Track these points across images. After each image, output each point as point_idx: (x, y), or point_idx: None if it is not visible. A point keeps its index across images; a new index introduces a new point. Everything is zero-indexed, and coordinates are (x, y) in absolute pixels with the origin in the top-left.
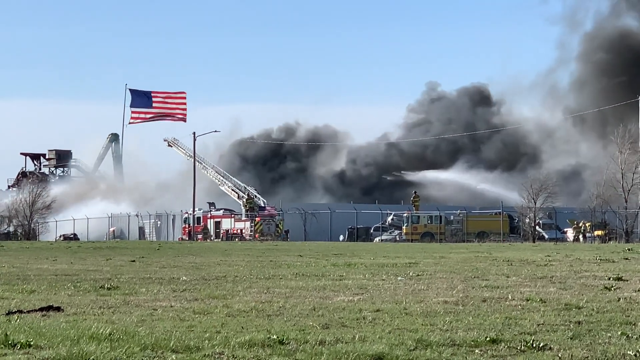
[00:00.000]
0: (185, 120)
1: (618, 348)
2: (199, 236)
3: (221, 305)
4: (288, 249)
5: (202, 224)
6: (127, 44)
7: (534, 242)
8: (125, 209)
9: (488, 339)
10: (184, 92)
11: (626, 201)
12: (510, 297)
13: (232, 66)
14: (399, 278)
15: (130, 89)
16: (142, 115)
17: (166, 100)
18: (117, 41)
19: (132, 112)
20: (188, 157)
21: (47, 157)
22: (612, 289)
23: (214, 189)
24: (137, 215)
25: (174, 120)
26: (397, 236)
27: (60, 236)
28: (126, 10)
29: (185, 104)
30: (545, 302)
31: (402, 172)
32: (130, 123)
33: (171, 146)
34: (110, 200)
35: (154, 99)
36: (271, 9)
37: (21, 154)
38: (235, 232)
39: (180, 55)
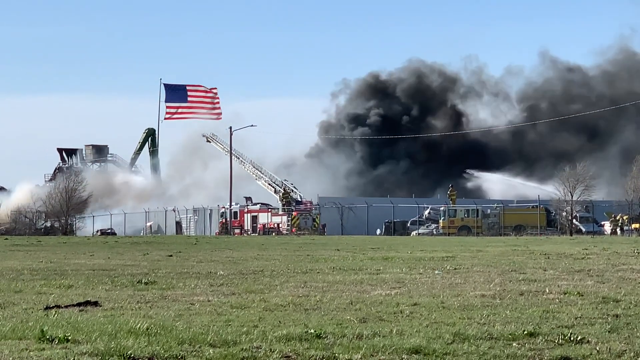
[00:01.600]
0: (220, 118)
1: None
2: (236, 230)
3: (258, 299)
4: (325, 243)
5: (239, 218)
6: (161, 38)
7: (571, 235)
8: (162, 203)
9: (525, 332)
10: (215, 90)
11: None
12: (547, 290)
13: (263, 60)
14: (437, 272)
15: (164, 84)
16: (177, 111)
17: (200, 95)
18: (152, 35)
19: (167, 107)
20: (226, 153)
21: (83, 152)
22: None
23: (253, 185)
24: (173, 210)
25: (214, 119)
26: (434, 230)
27: (97, 231)
28: (160, 5)
29: (218, 101)
30: (582, 295)
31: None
32: (165, 119)
33: (210, 142)
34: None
35: (188, 93)
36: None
37: (57, 149)
38: (272, 226)
39: (213, 50)
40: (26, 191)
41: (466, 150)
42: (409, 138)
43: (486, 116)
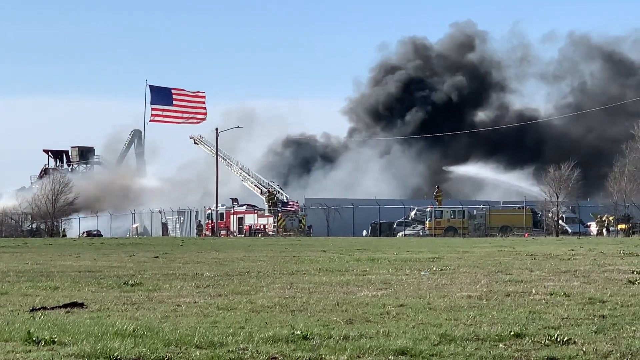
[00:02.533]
0: (204, 120)
1: None
2: (222, 232)
3: (245, 300)
4: (311, 245)
5: (225, 220)
6: (146, 40)
7: (557, 236)
8: (148, 205)
9: (512, 333)
10: (203, 93)
11: None
12: (534, 291)
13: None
14: (423, 273)
15: (150, 86)
16: (163, 114)
17: (186, 99)
18: (137, 37)
19: (153, 109)
20: (213, 155)
21: (69, 153)
22: (636, 282)
23: (238, 185)
24: (159, 212)
25: (195, 123)
26: (420, 231)
27: (83, 233)
28: (144, 5)
29: (204, 105)
30: (569, 296)
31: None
32: (151, 121)
33: (197, 144)
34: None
35: (174, 97)
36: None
37: (44, 151)
38: (258, 227)
39: (199, 51)
40: (11, 193)
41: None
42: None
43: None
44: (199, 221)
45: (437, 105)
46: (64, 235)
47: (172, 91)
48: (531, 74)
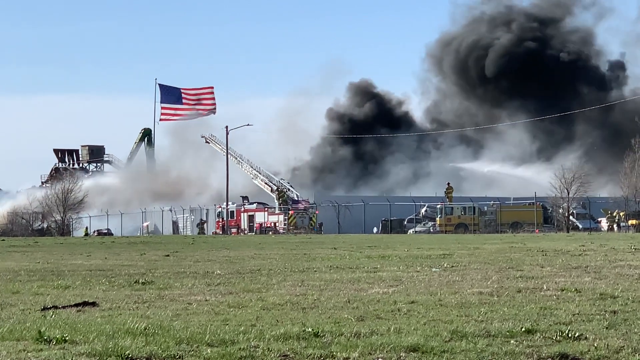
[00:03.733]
0: (214, 112)
1: None
2: (233, 230)
3: (256, 298)
4: (322, 242)
5: (235, 217)
6: (155, 38)
7: (568, 232)
8: (159, 203)
9: (523, 329)
10: (211, 87)
11: None
12: (545, 287)
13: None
14: (434, 269)
15: (159, 84)
16: (173, 112)
17: (195, 97)
18: (147, 35)
19: (162, 108)
20: (224, 153)
21: (79, 152)
22: None
23: (249, 183)
24: (170, 210)
25: (204, 115)
26: (431, 228)
27: (94, 231)
28: (155, 5)
29: (213, 98)
30: (580, 292)
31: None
32: (161, 120)
33: (209, 142)
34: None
35: (183, 96)
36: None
37: (54, 150)
38: (268, 225)
39: (209, 48)
40: (22, 192)
41: None
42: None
43: None
44: (201, 219)
45: None
46: (86, 234)
47: (182, 90)
48: None
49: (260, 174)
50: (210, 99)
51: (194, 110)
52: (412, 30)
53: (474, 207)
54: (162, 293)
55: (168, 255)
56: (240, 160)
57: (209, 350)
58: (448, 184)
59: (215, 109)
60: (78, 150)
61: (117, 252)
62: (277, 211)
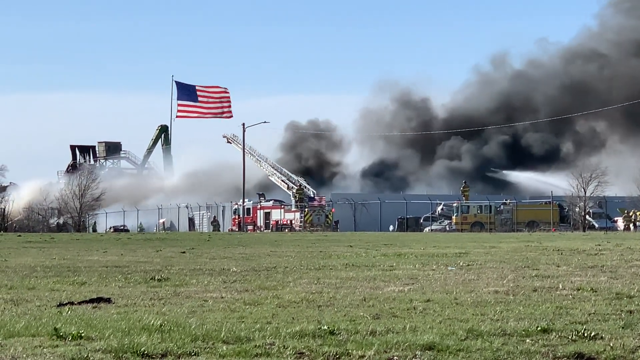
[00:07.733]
0: (231, 117)
1: None
2: (249, 227)
3: (271, 296)
4: (338, 240)
5: (251, 215)
6: (173, 35)
7: (584, 231)
8: (175, 200)
9: (539, 328)
10: (226, 89)
11: None
12: (561, 286)
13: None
14: (450, 268)
15: (176, 82)
16: (189, 109)
17: (210, 96)
18: (164, 32)
19: (179, 105)
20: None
21: (96, 149)
22: None
23: (266, 181)
24: (186, 207)
25: (220, 118)
26: (447, 226)
27: (110, 228)
28: (172, 2)
29: (229, 100)
30: (596, 291)
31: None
32: (177, 117)
33: (230, 142)
34: (160, 192)
35: (198, 94)
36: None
37: (70, 146)
38: (285, 222)
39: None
40: (36, 188)
41: None
42: None
43: None
44: (214, 217)
45: None
46: (94, 230)
47: (197, 88)
48: None
49: (276, 171)
50: (226, 102)
51: (211, 109)
52: None
53: (490, 206)
54: (178, 290)
55: (184, 252)
56: (259, 159)
57: (224, 348)
58: (464, 182)
59: (231, 112)
60: (95, 146)
61: (133, 248)
62: (293, 208)
